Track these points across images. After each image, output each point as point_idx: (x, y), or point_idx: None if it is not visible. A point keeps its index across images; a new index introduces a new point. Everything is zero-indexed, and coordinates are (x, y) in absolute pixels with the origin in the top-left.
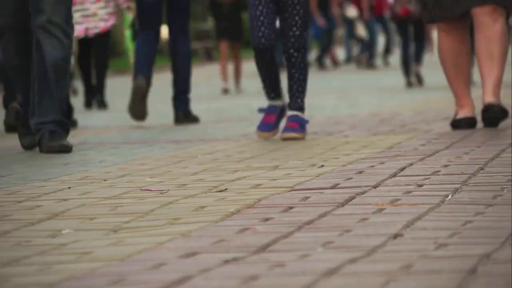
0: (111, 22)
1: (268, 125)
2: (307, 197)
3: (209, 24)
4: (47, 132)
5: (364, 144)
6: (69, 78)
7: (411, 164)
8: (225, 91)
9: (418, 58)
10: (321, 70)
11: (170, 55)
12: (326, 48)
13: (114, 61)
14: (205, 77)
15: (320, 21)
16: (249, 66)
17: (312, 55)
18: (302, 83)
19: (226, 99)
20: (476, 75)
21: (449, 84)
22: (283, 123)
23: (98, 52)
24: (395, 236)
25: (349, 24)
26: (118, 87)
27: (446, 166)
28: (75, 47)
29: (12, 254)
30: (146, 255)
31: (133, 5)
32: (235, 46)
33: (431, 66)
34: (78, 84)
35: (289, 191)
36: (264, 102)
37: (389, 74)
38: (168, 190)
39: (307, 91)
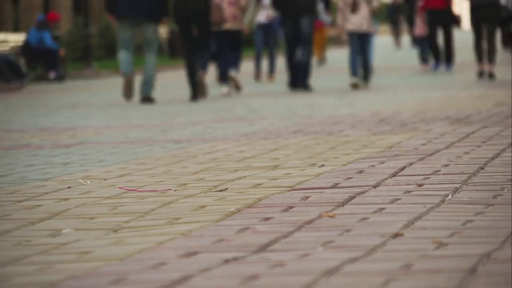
0: None
1: None
2: (307, 197)
3: None
4: None
5: (364, 144)
6: None
7: (411, 164)
8: None
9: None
10: None
11: None
12: None
13: (114, 61)
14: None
15: None
16: (252, 66)
17: None
18: None
19: (226, 99)
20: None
21: None
22: None
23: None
24: (395, 235)
25: None
26: (119, 87)
27: (446, 165)
28: None
29: (12, 253)
30: (146, 255)
31: None
32: None
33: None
34: None
35: (289, 190)
36: (263, 103)
37: (390, 74)
38: (174, 189)
39: (307, 91)
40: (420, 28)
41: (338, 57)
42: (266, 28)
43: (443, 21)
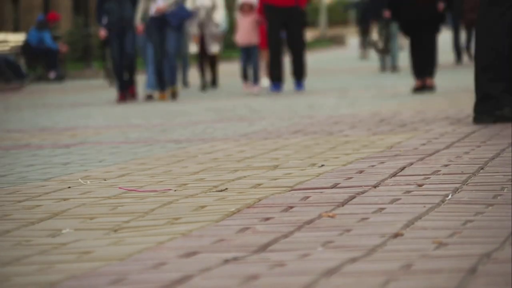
0: None
1: None
2: (307, 197)
3: None
4: None
5: (364, 144)
6: None
7: (411, 164)
8: None
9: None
10: None
11: None
12: None
13: None
14: None
15: None
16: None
17: None
18: None
19: (226, 99)
20: None
21: None
22: None
23: None
24: (395, 235)
25: None
26: None
27: (446, 165)
28: None
29: (12, 253)
30: (146, 255)
31: None
32: None
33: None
34: None
35: (289, 190)
36: (263, 103)
37: (389, 74)
38: (174, 190)
39: (308, 91)
40: (244, 34)
41: (340, 56)
42: (159, 23)
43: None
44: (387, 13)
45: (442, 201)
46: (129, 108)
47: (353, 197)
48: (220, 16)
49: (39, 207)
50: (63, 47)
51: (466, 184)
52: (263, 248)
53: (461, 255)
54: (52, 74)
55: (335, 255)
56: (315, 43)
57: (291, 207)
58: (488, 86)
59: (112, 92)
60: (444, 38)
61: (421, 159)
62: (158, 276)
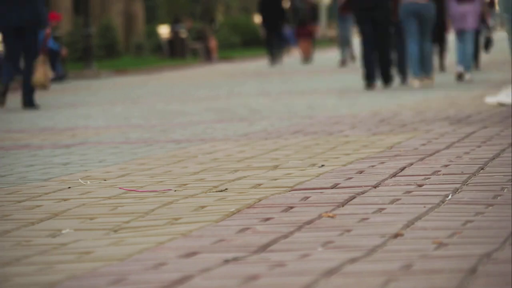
0: None
1: None
2: (307, 197)
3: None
4: None
5: (364, 144)
6: None
7: (411, 164)
8: None
9: None
10: None
11: None
12: None
13: (114, 61)
14: (205, 77)
15: None
16: (252, 66)
17: None
18: None
19: (226, 99)
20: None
21: None
22: None
23: None
24: (395, 235)
25: None
26: (119, 87)
27: (446, 166)
28: None
29: (12, 253)
30: (146, 255)
31: None
32: None
33: None
34: None
35: (289, 191)
36: (263, 103)
37: None
38: (174, 190)
39: (308, 91)
40: None
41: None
42: None
43: None
44: None
45: (442, 201)
46: (129, 108)
47: (353, 197)
48: None
49: (39, 207)
50: (63, 51)
51: (466, 184)
52: (263, 248)
53: (461, 255)
54: (52, 74)
55: (335, 255)
56: (315, 43)
57: (291, 207)
58: None
59: (111, 93)
60: None
61: (421, 159)
62: (158, 276)
